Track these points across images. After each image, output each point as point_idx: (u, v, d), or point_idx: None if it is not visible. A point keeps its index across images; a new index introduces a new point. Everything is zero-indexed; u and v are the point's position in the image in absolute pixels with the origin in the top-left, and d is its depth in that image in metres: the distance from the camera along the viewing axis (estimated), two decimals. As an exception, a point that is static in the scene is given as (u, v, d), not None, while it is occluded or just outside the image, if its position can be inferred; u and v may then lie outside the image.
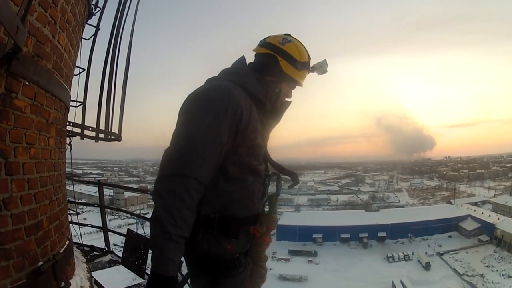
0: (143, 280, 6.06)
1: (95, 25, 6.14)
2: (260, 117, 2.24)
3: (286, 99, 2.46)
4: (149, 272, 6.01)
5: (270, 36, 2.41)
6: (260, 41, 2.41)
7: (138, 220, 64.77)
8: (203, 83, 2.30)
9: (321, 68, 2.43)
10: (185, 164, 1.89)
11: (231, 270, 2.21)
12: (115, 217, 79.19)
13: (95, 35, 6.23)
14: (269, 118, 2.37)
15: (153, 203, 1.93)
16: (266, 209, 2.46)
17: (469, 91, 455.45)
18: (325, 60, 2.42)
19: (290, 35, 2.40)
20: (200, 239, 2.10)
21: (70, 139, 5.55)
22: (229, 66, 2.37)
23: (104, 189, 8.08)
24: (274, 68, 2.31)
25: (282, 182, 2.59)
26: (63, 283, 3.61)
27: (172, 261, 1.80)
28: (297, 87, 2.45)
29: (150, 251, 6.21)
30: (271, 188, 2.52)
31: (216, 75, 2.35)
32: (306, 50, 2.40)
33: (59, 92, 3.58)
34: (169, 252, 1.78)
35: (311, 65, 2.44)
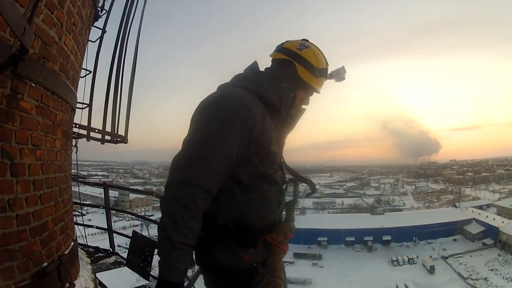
0: (147, 282, 6.06)
1: (102, 28, 6.17)
2: (275, 123, 2.22)
3: (302, 106, 2.42)
4: (153, 274, 6.02)
5: (287, 41, 2.38)
6: (277, 46, 2.39)
7: (143, 222, 64.86)
8: (215, 89, 2.28)
9: (339, 75, 2.39)
10: (192, 172, 1.89)
11: (249, 280, 2.19)
12: (120, 218, 79.25)
13: (101, 38, 6.26)
14: (283, 125, 2.35)
15: (158, 205, 1.92)
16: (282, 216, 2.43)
17: (473, 94, 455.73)
18: (343, 67, 2.39)
19: (307, 40, 2.37)
20: (216, 250, 2.09)
21: (76, 140, 5.57)
22: (234, 71, 2.34)
23: (109, 191, 8.10)
24: (291, 75, 2.27)
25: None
26: (67, 284, 3.61)
27: (176, 268, 1.81)
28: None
29: (155, 253, 6.23)
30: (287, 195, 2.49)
31: (227, 80, 2.34)
32: (324, 56, 2.36)
33: (65, 94, 3.58)
34: (173, 259, 1.79)
35: (329, 71, 2.40)
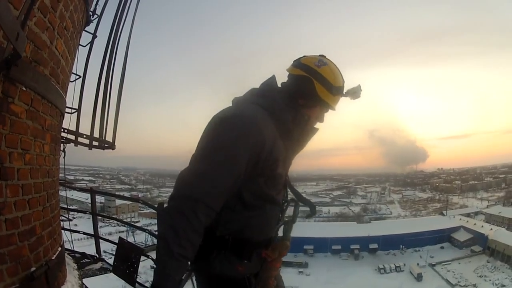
0: (133, 289, 6.04)
1: (92, 32, 6.16)
2: (285, 143, 2.23)
3: (314, 126, 2.43)
4: (139, 281, 5.97)
5: (304, 56, 2.37)
6: (294, 61, 2.38)
7: (129, 228, 64.78)
8: (230, 103, 2.31)
9: (355, 93, 2.39)
10: (198, 188, 1.91)
11: None
12: (106, 224, 78.59)
13: (92, 42, 6.25)
14: (294, 144, 2.36)
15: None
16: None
17: (461, 103, 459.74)
18: (359, 85, 2.38)
19: (325, 56, 2.37)
20: (213, 259, 2.12)
21: (64, 145, 5.55)
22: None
23: (96, 196, 8.07)
24: (309, 92, 2.27)
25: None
26: (55, 290, 3.61)
27: (172, 278, 1.82)
28: None
29: (141, 260, 6.18)
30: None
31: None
32: (341, 74, 2.36)
33: (55, 99, 3.58)
34: (170, 269, 1.80)
35: (345, 89, 2.40)
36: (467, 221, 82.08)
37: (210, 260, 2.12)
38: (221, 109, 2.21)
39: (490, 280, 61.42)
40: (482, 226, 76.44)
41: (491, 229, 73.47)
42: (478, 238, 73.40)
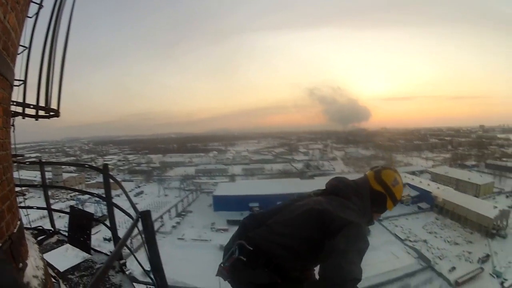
0: (90, 256, 6.08)
1: (38, 3, 6.01)
2: None
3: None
4: (94, 248, 5.98)
5: (384, 171, 3.35)
6: (376, 174, 3.34)
7: (78, 202, 65.23)
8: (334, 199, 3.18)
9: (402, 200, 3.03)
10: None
11: None
12: (56, 200, 78.25)
13: (37, 13, 6.10)
14: None
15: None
16: None
17: (406, 67, 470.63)
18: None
19: (398, 173, 3.38)
20: (259, 273, 2.84)
21: (13, 119, 5.47)
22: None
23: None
24: (381, 205, 3.31)
25: None
26: (20, 264, 3.62)
27: None
28: None
29: (94, 225, 6.20)
30: None
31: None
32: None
33: (6, 72, 3.54)
34: None
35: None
36: (413, 179, 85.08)
37: (256, 274, 2.84)
38: (346, 209, 2.98)
39: (441, 237, 64.20)
40: (429, 185, 79.48)
41: (438, 187, 76.43)
42: (425, 195, 76.32)
